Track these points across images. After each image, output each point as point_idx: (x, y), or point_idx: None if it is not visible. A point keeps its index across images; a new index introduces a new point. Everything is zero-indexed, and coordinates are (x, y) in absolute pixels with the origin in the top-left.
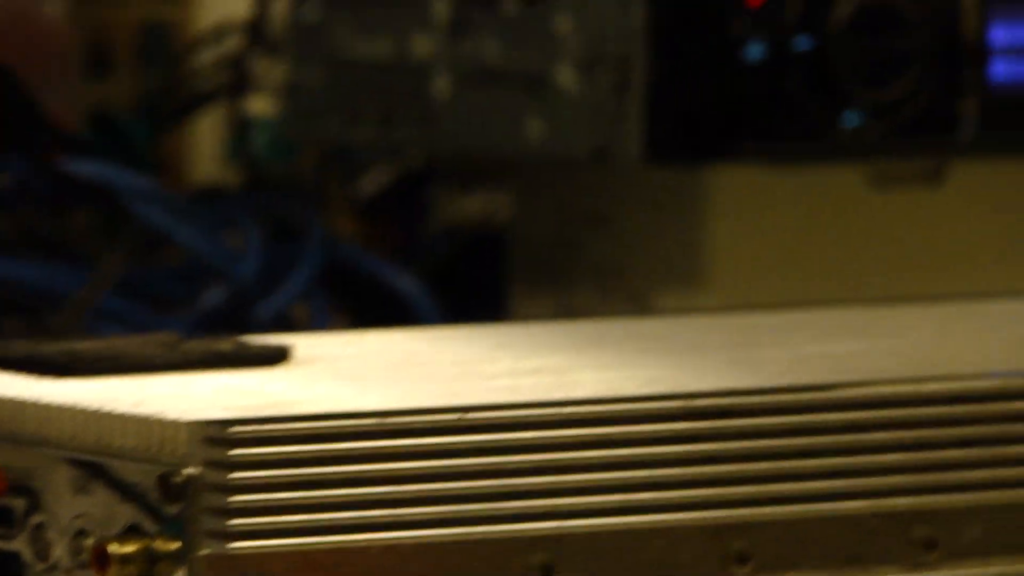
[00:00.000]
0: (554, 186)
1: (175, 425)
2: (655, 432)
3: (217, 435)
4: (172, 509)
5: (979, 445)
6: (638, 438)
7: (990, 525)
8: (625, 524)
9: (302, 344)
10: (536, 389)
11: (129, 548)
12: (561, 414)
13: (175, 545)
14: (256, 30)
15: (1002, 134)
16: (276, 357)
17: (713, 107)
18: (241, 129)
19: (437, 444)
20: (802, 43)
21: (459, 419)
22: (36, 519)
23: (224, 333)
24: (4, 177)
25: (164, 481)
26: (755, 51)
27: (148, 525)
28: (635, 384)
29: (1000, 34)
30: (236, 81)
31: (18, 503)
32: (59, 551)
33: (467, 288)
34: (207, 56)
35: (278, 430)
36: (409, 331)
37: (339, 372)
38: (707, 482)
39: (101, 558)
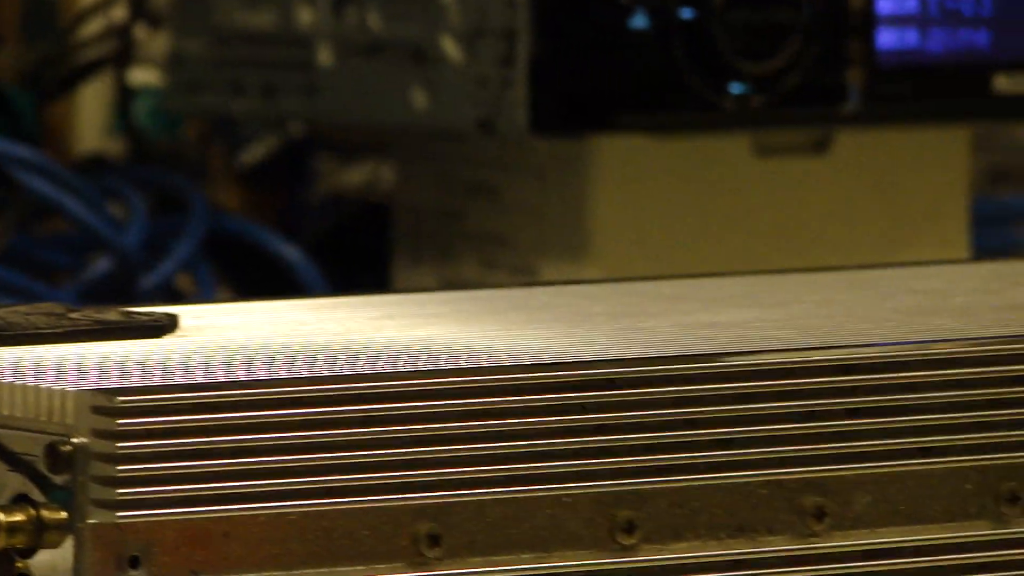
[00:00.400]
0: (438, 156)
1: (63, 395)
2: (542, 402)
3: (105, 405)
4: (60, 479)
5: (867, 415)
6: (525, 408)
7: (879, 495)
8: (512, 494)
9: (189, 314)
10: (423, 359)
11: (17, 517)
12: (449, 384)
13: (63, 515)
14: (140, 1)
15: (888, 104)
16: (163, 327)
17: (598, 78)
18: (125, 100)
19: (324, 414)
20: (686, 13)
21: (346, 389)
22: None
23: (111, 303)
24: None
25: (52, 451)
26: (639, 21)
27: (36, 495)
28: (522, 354)
29: (886, 3)
30: (120, 52)
31: None
32: None
33: (352, 258)
34: (92, 27)
35: (165, 400)
36: (295, 300)
37: (226, 342)
38: (594, 452)
39: None
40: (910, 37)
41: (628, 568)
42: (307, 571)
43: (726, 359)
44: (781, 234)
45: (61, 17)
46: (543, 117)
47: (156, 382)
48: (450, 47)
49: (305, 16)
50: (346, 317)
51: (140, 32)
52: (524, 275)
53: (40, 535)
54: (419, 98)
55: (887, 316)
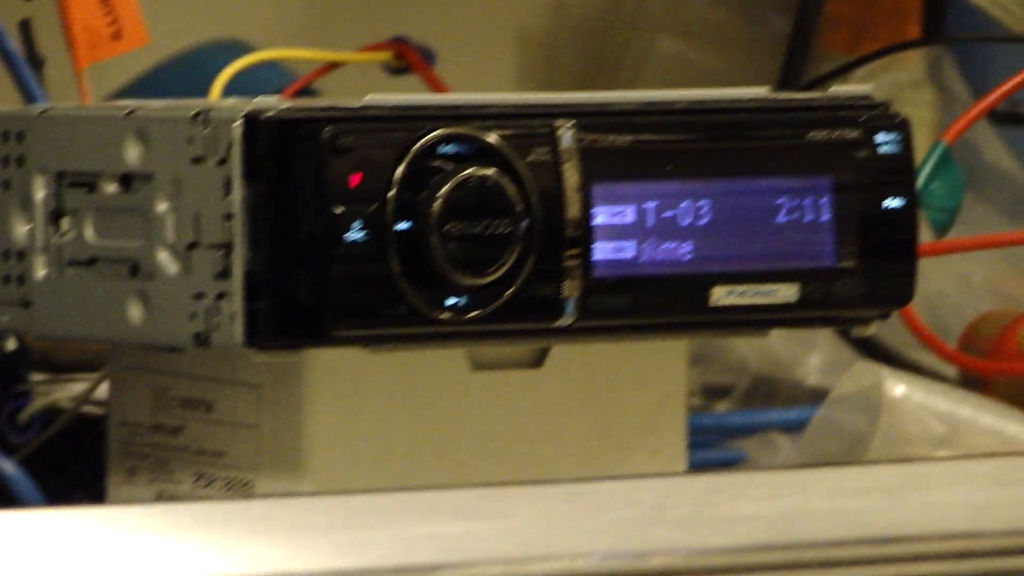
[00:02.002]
0: (154, 370)
1: None
2: None
3: None
4: None
5: None
6: None
7: None
8: None
9: None
10: (141, 572)
11: None
12: None
13: None
14: None
15: (604, 316)
16: None
17: (313, 290)
18: None
19: None
20: (402, 225)
21: None
22: None
23: None
24: None
25: None
26: (355, 233)
27: None
28: (239, 568)
29: (602, 215)
30: None
31: None
32: None
33: (67, 471)
34: None
35: None
36: (11, 513)
37: None
38: None
39: None
40: (627, 249)
41: None
42: None
43: (444, 571)
44: (499, 446)
45: None
46: (259, 330)
47: None
48: (165, 260)
49: (20, 228)
50: (63, 531)
51: None
52: (241, 489)
53: None
54: (135, 312)
55: (606, 528)
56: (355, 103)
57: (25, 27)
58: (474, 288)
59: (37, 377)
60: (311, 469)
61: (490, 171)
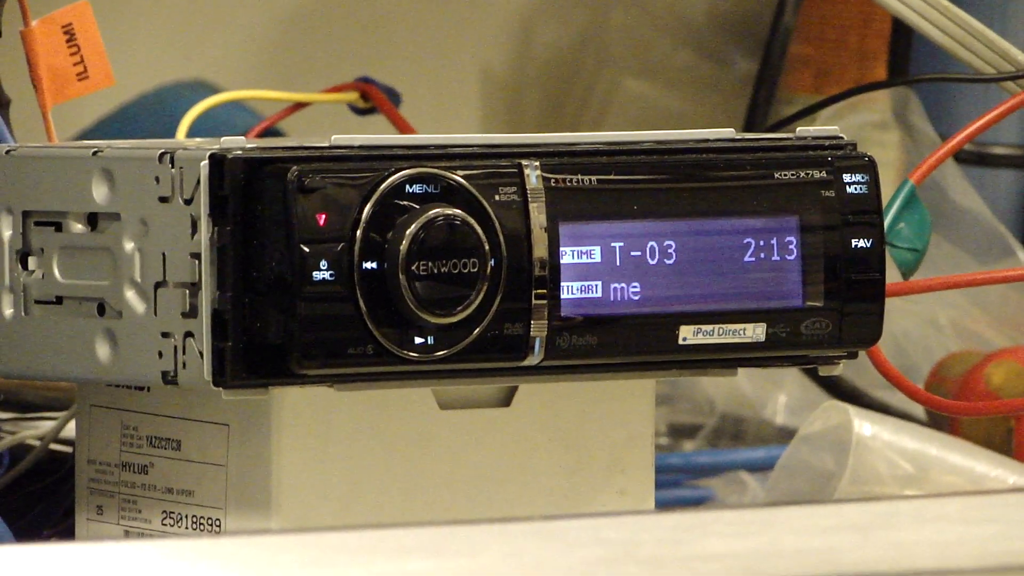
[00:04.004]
0: (122, 408)
1: None
2: None
3: None
4: None
5: None
6: None
7: None
8: None
9: None
10: None
11: None
12: None
13: None
14: None
15: (571, 356)
16: None
17: (281, 329)
18: None
19: None
20: (369, 264)
21: None
22: None
23: None
24: None
25: None
26: (323, 272)
27: None
28: None
29: (569, 254)
30: None
31: None
32: None
33: (35, 509)
34: None
35: None
36: None
37: None
38: None
39: None
40: (594, 288)
41: None
42: None
43: None
44: (467, 485)
45: None
46: (226, 369)
47: None
48: (133, 299)
49: None
50: (32, 568)
51: None
52: (209, 528)
53: None
54: (102, 350)
55: (574, 566)
56: (322, 143)
57: None
58: (441, 327)
59: (4, 416)
60: (279, 507)
61: (457, 211)
